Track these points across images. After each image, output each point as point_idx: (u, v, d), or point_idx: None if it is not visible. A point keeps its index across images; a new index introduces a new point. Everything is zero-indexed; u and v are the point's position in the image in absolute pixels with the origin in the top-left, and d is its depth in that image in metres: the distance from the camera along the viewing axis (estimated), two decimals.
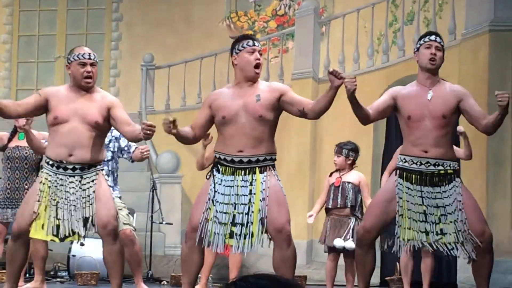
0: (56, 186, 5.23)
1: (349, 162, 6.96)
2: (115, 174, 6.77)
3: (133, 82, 10.42)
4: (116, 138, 6.71)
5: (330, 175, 7.07)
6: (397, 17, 9.49)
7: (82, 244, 8.34)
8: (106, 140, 6.64)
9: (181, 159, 10.04)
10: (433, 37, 5.19)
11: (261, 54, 5.07)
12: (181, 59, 10.30)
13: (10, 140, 7.03)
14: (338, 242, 6.77)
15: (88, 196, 5.22)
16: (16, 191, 6.95)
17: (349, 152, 6.97)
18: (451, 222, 5.00)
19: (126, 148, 6.76)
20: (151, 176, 9.07)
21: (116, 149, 6.74)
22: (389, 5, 9.52)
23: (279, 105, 5.04)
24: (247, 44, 5.04)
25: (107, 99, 5.36)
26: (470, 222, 5.01)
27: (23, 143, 6.91)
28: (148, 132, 5.02)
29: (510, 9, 8.63)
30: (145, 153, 6.61)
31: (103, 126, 5.30)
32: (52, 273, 8.70)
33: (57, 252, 8.62)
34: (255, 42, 5.08)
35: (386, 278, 8.29)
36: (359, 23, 9.64)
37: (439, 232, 5.01)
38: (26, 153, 6.93)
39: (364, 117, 5.16)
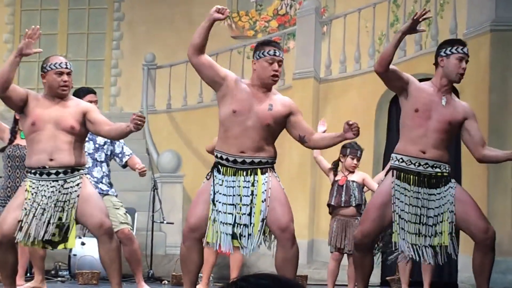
0: (37, 193, 5.25)
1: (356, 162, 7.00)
2: (109, 176, 6.77)
3: (135, 81, 10.42)
4: (111, 141, 6.69)
5: (336, 174, 7.03)
6: (399, 17, 9.49)
7: (82, 244, 8.35)
8: (101, 142, 6.65)
9: (182, 158, 10.04)
10: (466, 50, 5.08)
11: (280, 64, 5.04)
12: (182, 59, 10.27)
13: (11, 141, 7.04)
14: None
15: (68, 201, 5.22)
16: (16, 189, 6.94)
17: (361, 152, 7.01)
18: (443, 221, 5.00)
19: (120, 155, 6.76)
20: (152, 176, 9.07)
21: (109, 152, 6.72)
22: (390, 5, 9.53)
23: (285, 122, 5.09)
24: (268, 53, 5.01)
25: (81, 105, 5.43)
26: (472, 221, 5.01)
27: (24, 142, 6.91)
28: (139, 122, 5.06)
29: (511, 9, 8.63)
30: (142, 172, 6.68)
31: (79, 131, 5.33)
32: (53, 272, 8.70)
33: (58, 251, 8.59)
34: (276, 51, 5.03)
35: (387, 278, 8.30)
36: (360, 23, 9.64)
37: (433, 234, 5.01)
38: (26, 152, 6.93)
39: (386, 57, 4.94)
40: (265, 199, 4.92)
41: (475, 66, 8.57)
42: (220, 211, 4.94)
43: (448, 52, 5.07)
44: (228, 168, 4.98)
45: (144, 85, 10.40)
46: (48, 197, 5.21)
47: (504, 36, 8.63)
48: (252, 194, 4.94)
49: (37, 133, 5.29)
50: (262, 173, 4.97)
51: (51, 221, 5.19)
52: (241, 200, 4.94)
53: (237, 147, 4.96)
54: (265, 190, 4.93)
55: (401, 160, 5.06)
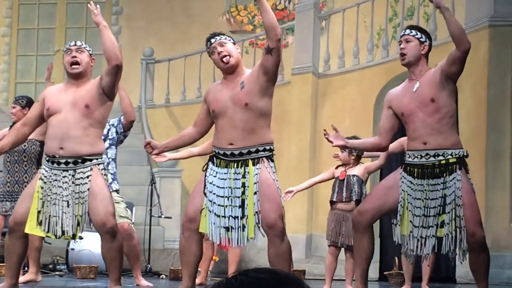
0: (50, 182, 5.21)
1: (353, 158, 6.95)
2: (115, 162, 6.73)
3: (133, 75, 10.41)
4: (113, 125, 6.68)
5: (336, 168, 7.05)
6: (397, 12, 9.48)
7: (80, 238, 8.35)
8: (105, 131, 6.61)
9: None
10: (402, 32, 5.20)
11: (222, 45, 5.01)
12: (181, 53, 10.30)
13: None
14: None
15: (81, 192, 5.17)
16: (15, 184, 6.95)
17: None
18: (448, 212, 4.99)
19: (118, 123, 6.67)
20: (151, 170, 9.07)
21: (114, 134, 6.68)
22: (389, 0, 9.52)
23: (266, 79, 4.94)
24: (210, 46, 5.06)
25: (96, 79, 5.34)
26: (464, 220, 4.99)
27: None
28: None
29: (510, 5, 8.63)
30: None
31: (95, 110, 5.24)
32: (50, 266, 8.71)
33: (56, 245, 8.63)
34: (211, 39, 5.07)
35: (385, 273, 8.30)
36: (359, 18, 9.64)
37: (438, 225, 5.00)
38: (24, 146, 6.93)
39: (377, 148, 5.25)
40: (256, 192, 4.90)
41: (473, 61, 8.57)
42: (214, 202, 4.95)
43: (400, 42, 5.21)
44: (221, 161, 5.00)
45: (143, 79, 10.40)
46: (65, 188, 5.18)
47: (502, 32, 8.63)
48: (243, 186, 4.93)
49: (52, 117, 5.25)
50: (254, 164, 4.94)
51: (76, 213, 5.18)
52: (232, 193, 4.94)
53: (225, 139, 4.97)
54: (255, 183, 4.91)
55: (408, 155, 5.12)
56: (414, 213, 5.03)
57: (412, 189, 5.05)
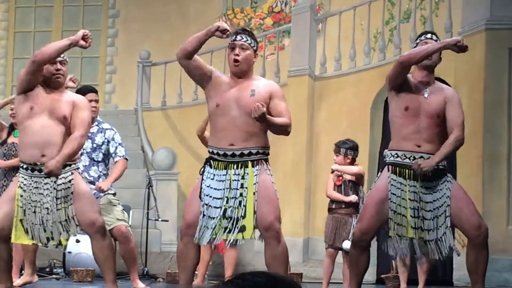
0: (31, 190, 5.20)
1: (348, 160, 6.96)
2: (107, 175, 6.72)
3: (129, 78, 10.41)
4: (108, 141, 6.65)
5: (332, 172, 7.06)
6: (394, 15, 9.48)
7: (77, 241, 8.35)
8: (100, 142, 6.60)
9: (177, 156, 10.04)
10: (429, 35, 5.22)
11: (243, 48, 5.02)
12: None
13: (5, 141, 7.04)
14: (346, 244, 6.74)
15: (65, 197, 5.18)
16: None
17: (347, 150, 6.96)
18: (440, 215, 5.00)
19: (112, 155, 6.67)
20: (147, 173, 9.06)
21: (107, 152, 6.67)
22: (385, 3, 9.52)
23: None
24: (230, 41, 5.05)
25: (73, 97, 5.37)
26: (465, 217, 5.00)
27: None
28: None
29: (506, 8, 8.65)
30: (99, 189, 6.22)
31: (69, 122, 5.27)
32: (47, 269, 8.70)
33: (52, 248, 8.61)
34: (237, 36, 5.04)
35: (382, 276, 8.30)
36: (356, 21, 9.64)
37: (430, 228, 5.01)
38: None
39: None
40: (254, 193, 4.90)
41: (469, 65, 8.60)
42: (210, 205, 4.94)
43: (414, 45, 5.26)
44: (220, 162, 4.98)
45: (139, 82, 10.39)
46: (46, 195, 5.18)
47: (499, 35, 8.64)
48: (242, 186, 4.92)
49: (31, 121, 5.22)
50: (253, 166, 4.95)
51: (57, 220, 5.18)
52: (230, 193, 4.93)
53: (226, 139, 4.96)
54: (255, 183, 4.91)
55: (396, 155, 5.07)
56: (405, 214, 5.03)
57: (403, 190, 5.03)
